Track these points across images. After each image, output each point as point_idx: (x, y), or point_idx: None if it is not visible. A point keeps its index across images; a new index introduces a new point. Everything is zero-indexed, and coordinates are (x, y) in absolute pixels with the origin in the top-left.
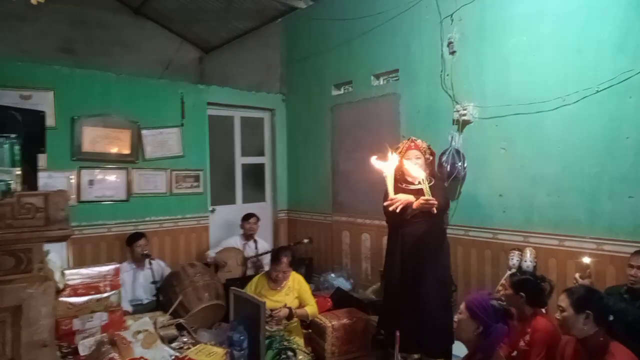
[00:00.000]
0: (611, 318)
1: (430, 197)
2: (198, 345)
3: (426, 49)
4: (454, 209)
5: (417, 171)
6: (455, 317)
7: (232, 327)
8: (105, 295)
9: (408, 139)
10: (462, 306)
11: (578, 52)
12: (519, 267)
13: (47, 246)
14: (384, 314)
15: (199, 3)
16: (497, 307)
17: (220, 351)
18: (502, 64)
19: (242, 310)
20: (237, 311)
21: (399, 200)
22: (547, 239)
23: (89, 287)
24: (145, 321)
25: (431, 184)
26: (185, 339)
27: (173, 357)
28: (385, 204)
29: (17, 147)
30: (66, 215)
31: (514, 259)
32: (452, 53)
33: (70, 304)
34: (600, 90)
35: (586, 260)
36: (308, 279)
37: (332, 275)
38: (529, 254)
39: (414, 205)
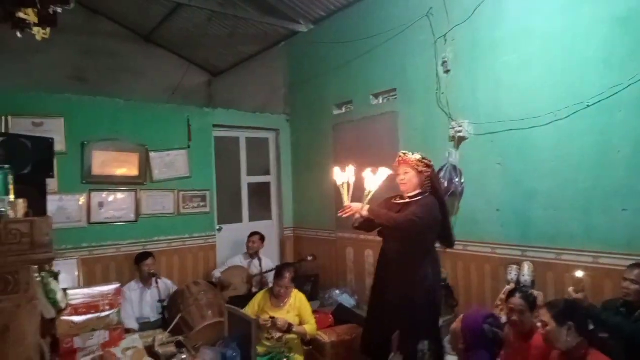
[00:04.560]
0: (591, 327)
1: (353, 207)
2: None
3: (422, 69)
4: (453, 224)
5: (369, 183)
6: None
7: (226, 344)
8: (105, 314)
9: (399, 155)
10: (461, 316)
11: (566, 69)
12: (518, 282)
13: (58, 267)
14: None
15: (205, 29)
16: (485, 333)
17: None
18: (494, 82)
19: (236, 328)
20: (231, 328)
21: (351, 207)
22: (544, 253)
23: (90, 306)
24: (134, 338)
25: (417, 198)
26: (184, 357)
27: None
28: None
29: (10, 177)
30: (50, 240)
31: (512, 274)
32: (447, 72)
33: (72, 322)
34: (591, 105)
35: (579, 274)
36: (314, 295)
37: (337, 291)
38: (527, 268)
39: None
